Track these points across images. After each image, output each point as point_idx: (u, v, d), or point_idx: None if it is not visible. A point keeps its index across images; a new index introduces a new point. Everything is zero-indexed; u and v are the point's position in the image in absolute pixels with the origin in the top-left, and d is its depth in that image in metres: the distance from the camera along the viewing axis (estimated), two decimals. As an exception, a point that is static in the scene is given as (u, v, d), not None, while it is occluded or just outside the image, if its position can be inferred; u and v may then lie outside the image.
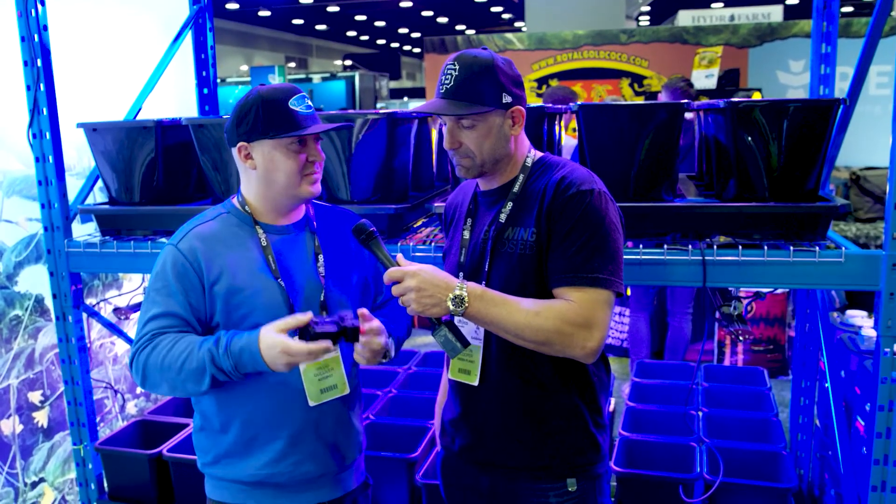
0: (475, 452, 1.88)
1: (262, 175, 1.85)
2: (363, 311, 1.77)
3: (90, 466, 2.92)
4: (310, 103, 1.87)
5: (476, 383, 1.83)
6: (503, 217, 1.79)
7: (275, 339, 1.67)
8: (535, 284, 1.72)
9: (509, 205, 1.79)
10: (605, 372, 1.89)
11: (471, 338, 1.77)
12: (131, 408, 3.90)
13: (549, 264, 1.70)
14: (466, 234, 1.87)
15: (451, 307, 1.61)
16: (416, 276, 1.62)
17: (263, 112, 1.79)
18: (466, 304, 1.61)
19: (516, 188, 1.80)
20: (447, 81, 1.74)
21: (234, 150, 1.86)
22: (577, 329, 1.62)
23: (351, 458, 1.98)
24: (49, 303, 3.20)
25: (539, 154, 1.87)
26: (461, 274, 1.84)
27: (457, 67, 1.73)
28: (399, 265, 1.66)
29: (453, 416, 1.93)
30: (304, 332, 1.70)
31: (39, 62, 2.66)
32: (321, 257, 1.92)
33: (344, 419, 1.95)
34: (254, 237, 1.87)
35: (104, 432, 3.40)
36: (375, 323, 1.77)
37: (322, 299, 1.89)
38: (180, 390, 1.76)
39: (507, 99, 1.74)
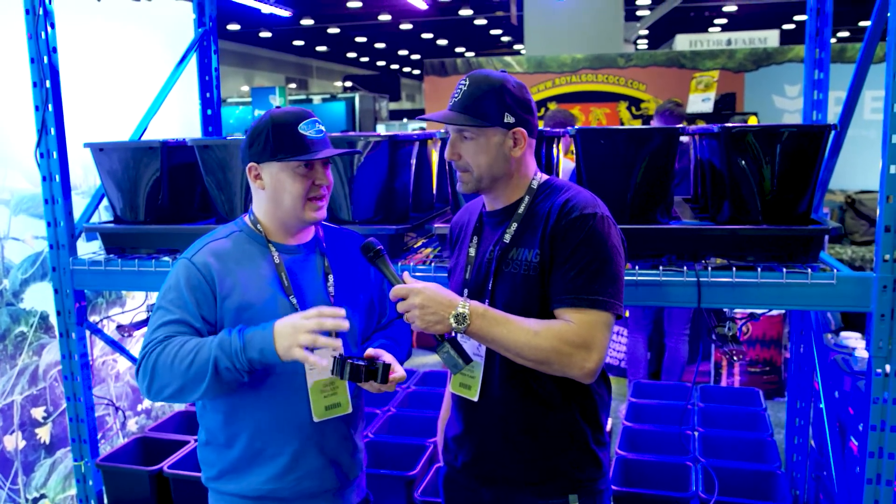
0: (477, 467, 1.90)
1: (270, 196, 1.89)
2: (394, 365, 1.81)
3: (91, 483, 2.94)
4: (321, 128, 1.91)
5: (476, 398, 1.86)
6: (508, 237, 1.83)
7: (292, 316, 1.71)
8: (538, 305, 1.76)
9: (514, 225, 1.84)
10: (607, 390, 1.93)
11: (472, 354, 1.81)
12: (132, 425, 3.92)
13: (551, 285, 1.74)
14: (472, 252, 1.92)
15: (454, 324, 1.65)
16: (421, 293, 1.67)
17: (273, 135, 1.85)
18: (468, 322, 1.66)
19: (521, 209, 1.85)
20: (456, 95, 1.81)
21: (246, 170, 1.92)
22: (575, 350, 1.65)
23: (353, 475, 2.01)
24: (53, 320, 3.23)
25: (545, 177, 1.91)
26: (465, 291, 1.88)
27: (467, 83, 1.81)
28: (405, 283, 1.71)
29: (456, 432, 1.96)
30: (337, 362, 1.74)
31: (48, 83, 2.72)
32: (331, 277, 1.97)
33: (347, 437, 1.98)
34: (266, 255, 1.92)
35: (105, 449, 3.42)
36: (399, 374, 1.81)
37: None
38: (189, 389, 1.74)
39: (509, 119, 1.78)
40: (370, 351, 1.84)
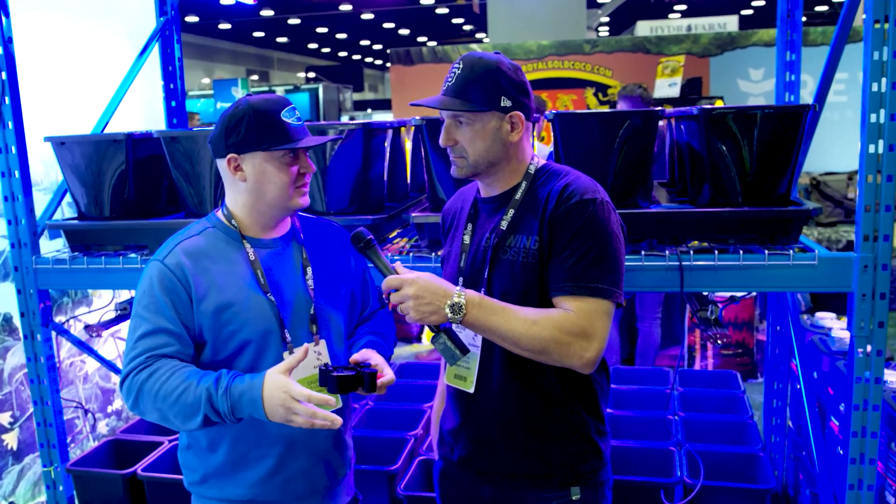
0: (476, 461, 1.86)
1: (253, 187, 1.81)
2: (383, 369, 1.76)
3: (61, 489, 2.85)
4: (299, 115, 1.84)
5: (471, 390, 1.82)
6: (504, 224, 1.78)
7: (279, 379, 1.63)
8: (537, 293, 1.72)
9: (511, 212, 1.78)
10: (607, 379, 1.89)
11: (468, 344, 1.76)
12: (102, 427, 3.82)
13: (550, 273, 1.70)
14: (467, 239, 1.86)
15: (449, 315, 1.61)
16: (415, 283, 1.62)
17: (256, 123, 1.76)
18: (464, 312, 1.61)
19: (518, 195, 1.79)
20: (450, 79, 1.75)
21: (223, 162, 1.82)
22: (574, 339, 1.62)
23: (342, 475, 1.95)
24: (17, 321, 3.12)
25: (542, 161, 1.86)
26: (460, 280, 1.83)
27: (461, 66, 1.74)
28: (398, 273, 1.65)
29: (453, 425, 1.91)
30: (322, 376, 1.69)
31: (4, 75, 2.61)
32: (309, 270, 1.90)
33: (335, 434, 1.91)
34: (241, 252, 1.84)
35: (75, 453, 3.33)
36: (388, 378, 1.76)
37: (312, 313, 1.86)
38: (171, 422, 1.70)
39: (505, 103, 1.73)
40: (357, 356, 1.78)
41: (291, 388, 1.61)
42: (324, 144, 2.41)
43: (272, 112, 1.77)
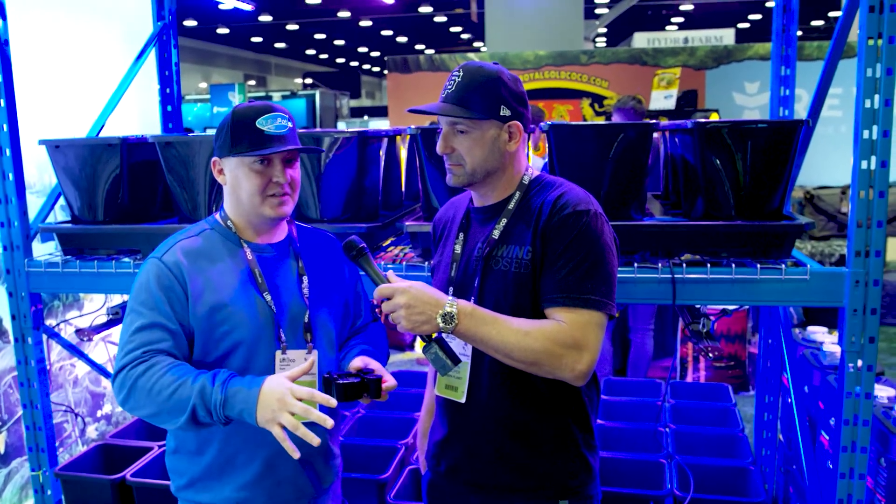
0: (464, 473, 1.85)
1: (231, 191, 1.86)
2: (385, 375, 1.76)
3: (49, 493, 2.83)
4: (285, 123, 1.83)
5: (463, 400, 1.81)
6: (497, 234, 1.77)
7: (282, 379, 1.63)
8: (530, 303, 1.71)
9: (504, 222, 1.78)
10: (597, 392, 1.89)
11: (458, 353, 1.74)
12: (91, 432, 3.80)
13: (542, 284, 1.69)
14: (458, 249, 1.86)
15: (441, 324, 1.60)
16: (406, 292, 1.61)
17: (232, 129, 1.80)
18: (456, 322, 1.60)
19: (511, 205, 1.79)
20: (450, 87, 1.75)
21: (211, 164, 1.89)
22: (566, 351, 1.61)
23: (328, 483, 1.95)
24: (8, 324, 3.10)
25: (536, 172, 1.86)
26: (451, 289, 1.82)
27: (461, 74, 1.74)
28: (390, 282, 1.65)
29: (440, 436, 1.90)
30: (326, 383, 1.68)
31: None
32: (305, 279, 1.91)
33: (322, 443, 1.90)
34: (239, 253, 1.86)
35: (63, 457, 3.31)
36: (391, 383, 1.76)
37: (306, 321, 1.87)
38: (162, 418, 1.69)
39: (505, 112, 1.74)
40: (357, 362, 1.78)
41: (293, 386, 1.61)
42: (318, 152, 2.41)
43: (248, 118, 1.80)
